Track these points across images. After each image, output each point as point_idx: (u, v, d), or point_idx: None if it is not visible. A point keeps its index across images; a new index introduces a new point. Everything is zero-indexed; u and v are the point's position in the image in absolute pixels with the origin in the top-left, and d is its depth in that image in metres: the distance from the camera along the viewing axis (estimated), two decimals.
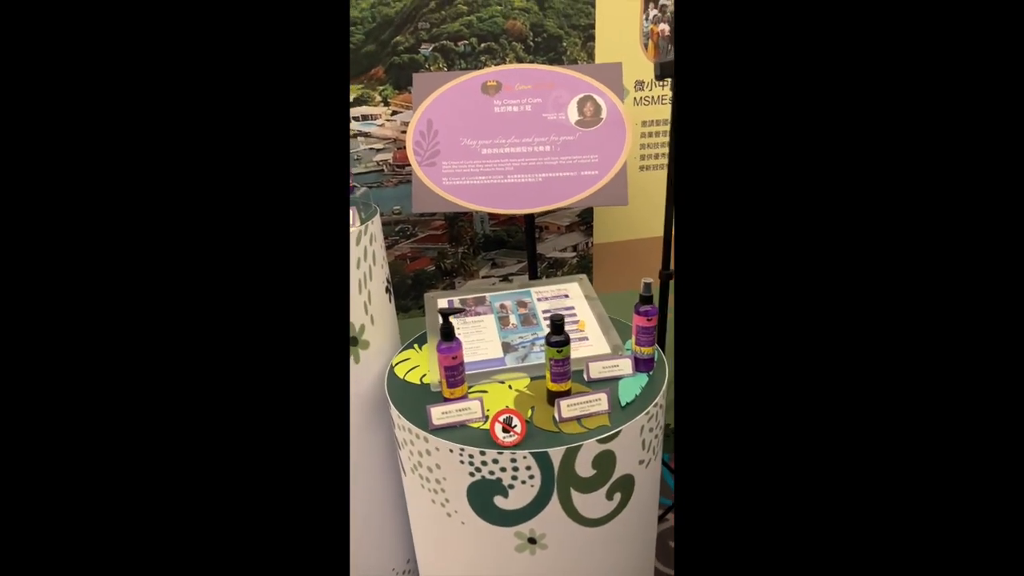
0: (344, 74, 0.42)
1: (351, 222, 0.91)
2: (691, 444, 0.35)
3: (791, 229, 0.32)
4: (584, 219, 1.41)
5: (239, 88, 0.35)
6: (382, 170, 1.26)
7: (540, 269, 1.42)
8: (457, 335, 0.92)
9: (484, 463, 0.71)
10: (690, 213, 0.36)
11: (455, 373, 0.75)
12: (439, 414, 0.74)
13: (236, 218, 0.35)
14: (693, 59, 0.36)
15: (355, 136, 1.21)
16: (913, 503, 0.28)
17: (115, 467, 0.30)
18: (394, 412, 0.82)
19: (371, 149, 1.23)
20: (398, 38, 1.15)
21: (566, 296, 1.04)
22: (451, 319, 0.78)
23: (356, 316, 0.90)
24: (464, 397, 0.78)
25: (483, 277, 1.42)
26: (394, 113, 1.21)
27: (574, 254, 1.44)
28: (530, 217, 1.20)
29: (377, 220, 0.96)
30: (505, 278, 1.44)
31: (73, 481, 0.28)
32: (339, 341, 0.41)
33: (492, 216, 1.37)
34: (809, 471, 0.31)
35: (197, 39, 0.33)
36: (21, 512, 0.27)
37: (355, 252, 0.89)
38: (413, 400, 0.83)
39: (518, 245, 1.42)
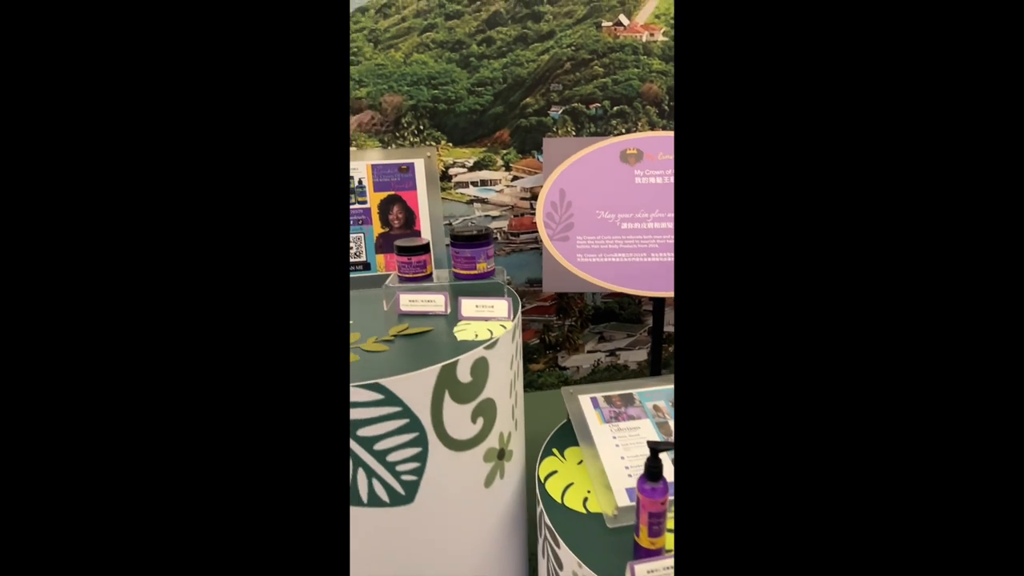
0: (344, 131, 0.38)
1: (507, 315, 0.79)
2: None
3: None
4: None
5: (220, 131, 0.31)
6: (496, 239, 1.15)
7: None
8: (616, 445, 0.78)
9: None
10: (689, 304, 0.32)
11: (660, 520, 0.62)
12: (645, 573, 0.61)
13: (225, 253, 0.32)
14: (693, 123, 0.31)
15: (471, 202, 1.11)
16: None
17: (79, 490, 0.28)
18: (567, 555, 0.68)
19: (487, 216, 1.13)
20: (528, 99, 1.06)
21: None
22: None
23: (504, 424, 0.78)
24: (663, 549, 0.65)
25: (589, 352, 1.30)
26: (515, 178, 1.12)
27: None
28: (659, 299, 1.09)
29: (519, 309, 0.85)
30: (612, 353, 1.32)
31: (55, 491, 0.28)
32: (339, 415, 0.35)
33: None
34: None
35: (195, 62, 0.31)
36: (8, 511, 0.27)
37: (508, 350, 0.77)
38: (587, 537, 0.70)
39: (629, 318, 1.31)
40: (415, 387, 0.65)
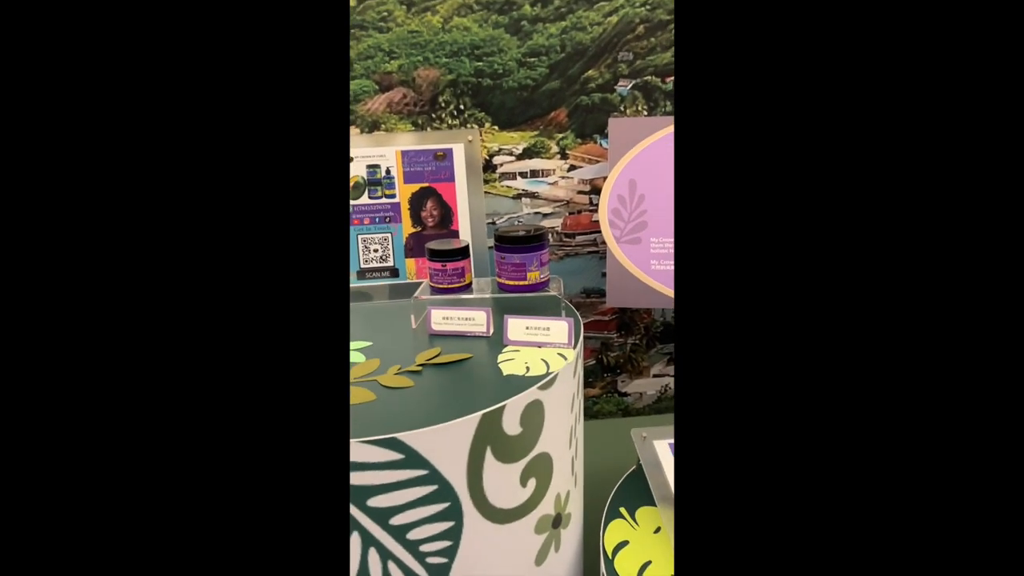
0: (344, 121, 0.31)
1: (567, 341, 0.62)
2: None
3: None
4: None
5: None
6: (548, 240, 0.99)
7: None
8: None
9: None
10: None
11: None
12: None
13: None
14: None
15: (518, 197, 0.95)
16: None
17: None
18: None
19: (537, 213, 0.96)
20: (591, 72, 0.89)
21: None
22: None
23: (561, 483, 0.61)
24: None
25: (655, 376, 1.11)
26: (572, 168, 0.94)
27: None
28: None
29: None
30: None
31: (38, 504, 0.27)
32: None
33: None
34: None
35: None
36: None
37: (569, 388, 0.60)
38: None
39: None
40: (447, 443, 0.49)
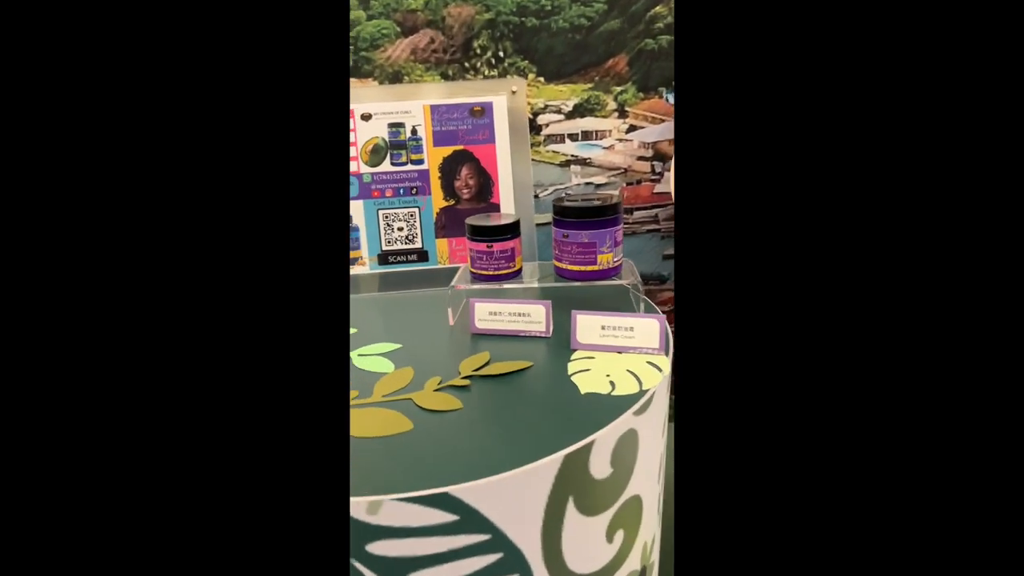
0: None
1: (658, 346, 0.48)
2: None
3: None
4: None
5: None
6: None
7: None
8: None
9: None
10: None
11: None
12: None
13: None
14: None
15: (567, 164, 0.80)
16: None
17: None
18: None
19: (588, 184, 0.82)
20: (658, 8, 0.73)
21: None
22: None
23: (650, 527, 0.48)
24: None
25: None
26: (631, 129, 0.80)
27: None
28: None
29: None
30: None
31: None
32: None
33: None
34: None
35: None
36: None
37: (662, 409, 0.46)
38: None
39: None
40: (518, 498, 0.35)
